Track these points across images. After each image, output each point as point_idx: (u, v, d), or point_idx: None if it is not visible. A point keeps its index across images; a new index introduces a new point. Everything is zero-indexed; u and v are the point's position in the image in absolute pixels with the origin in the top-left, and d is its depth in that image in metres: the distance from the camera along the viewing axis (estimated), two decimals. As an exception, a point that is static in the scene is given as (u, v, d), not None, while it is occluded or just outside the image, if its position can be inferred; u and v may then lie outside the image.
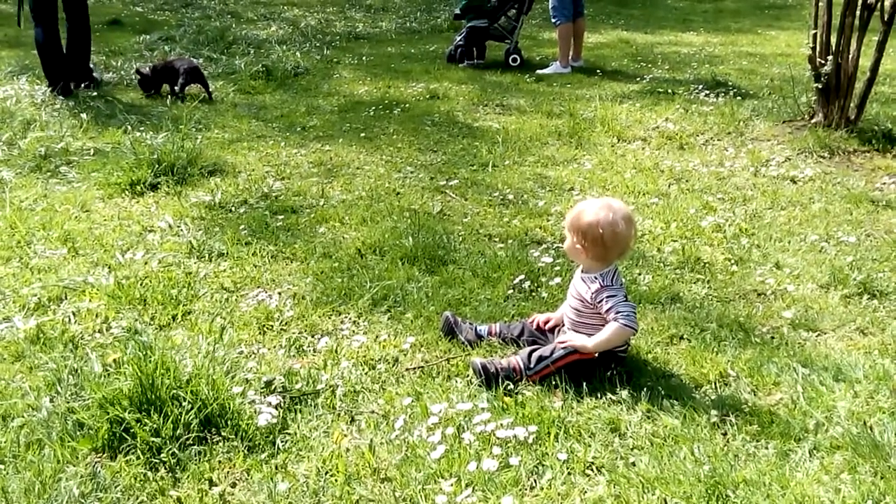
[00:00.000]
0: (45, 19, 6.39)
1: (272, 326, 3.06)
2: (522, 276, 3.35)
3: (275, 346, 2.91)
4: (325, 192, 4.49)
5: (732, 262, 3.53)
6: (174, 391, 2.38)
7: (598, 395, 2.52)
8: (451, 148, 5.33)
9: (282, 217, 4.13)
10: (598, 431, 2.36)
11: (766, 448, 2.27)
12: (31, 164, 4.90)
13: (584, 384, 2.56)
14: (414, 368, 2.74)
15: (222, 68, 7.79)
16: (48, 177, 4.74)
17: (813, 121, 5.31)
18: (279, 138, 5.58)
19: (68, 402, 2.46)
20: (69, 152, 5.12)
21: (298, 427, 2.43)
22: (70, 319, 3.09)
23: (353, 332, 3.01)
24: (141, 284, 3.35)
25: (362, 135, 5.66)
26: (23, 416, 2.47)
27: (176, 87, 6.53)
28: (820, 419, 2.38)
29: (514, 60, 8.03)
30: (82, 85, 6.76)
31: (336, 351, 2.86)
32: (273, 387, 2.61)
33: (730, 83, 6.88)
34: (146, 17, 11.06)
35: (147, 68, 6.76)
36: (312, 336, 2.99)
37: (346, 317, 3.12)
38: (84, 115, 5.87)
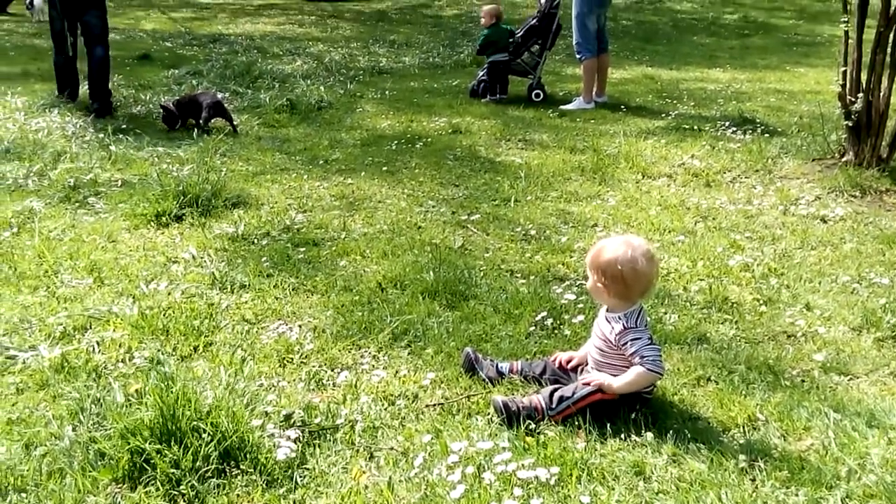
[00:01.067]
0: (63, 48, 7.18)
1: (292, 359, 3.04)
2: (545, 313, 3.32)
3: (294, 380, 2.89)
4: (346, 225, 4.50)
5: (761, 302, 3.48)
6: (194, 423, 2.38)
7: (623, 437, 2.48)
8: (473, 182, 5.33)
9: (303, 249, 4.14)
10: (623, 474, 2.31)
11: (797, 495, 2.21)
12: (61, 195, 4.95)
13: (608, 425, 2.52)
14: (434, 405, 2.71)
15: (248, 102, 7.87)
16: (76, 207, 4.79)
17: (843, 159, 5.26)
18: (302, 171, 5.61)
19: (90, 432, 2.46)
20: (97, 183, 5.18)
21: (317, 462, 2.41)
22: (94, 349, 3.10)
23: (373, 366, 2.99)
24: (164, 315, 3.35)
25: (384, 168, 5.68)
26: (45, 445, 2.47)
27: (200, 121, 6.61)
28: (852, 466, 2.32)
29: (538, 96, 8.06)
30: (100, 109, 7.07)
31: (356, 385, 2.85)
32: (292, 421, 2.59)
33: (757, 120, 6.85)
34: (175, 52, 11.23)
35: (171, 103, 6.84)
36: (332, 370, 2.97)
37: (366, 351, 3.10)
38: (113, 148, 5.95)
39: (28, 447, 2.48)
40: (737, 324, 3.30)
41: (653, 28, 14.69)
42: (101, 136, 6.28)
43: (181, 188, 4.72)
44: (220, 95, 7.16)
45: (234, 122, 6.75)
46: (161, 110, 6.86)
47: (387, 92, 8.65)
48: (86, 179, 5.21)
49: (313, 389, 2.83)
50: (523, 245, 4.21)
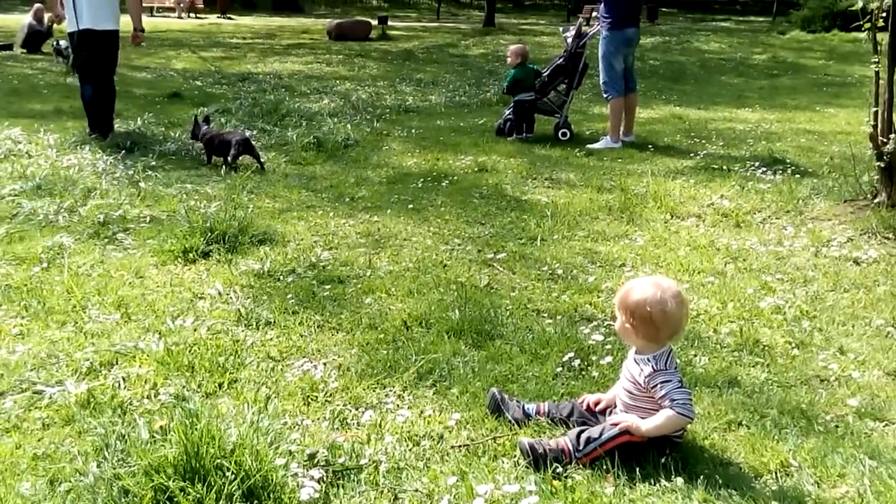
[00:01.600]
0: (93, 79, 7.62)
1: (317, 397, 3.02)
2: (572, 354, 3.28)
3: (319, 418, 2.87)
4: (372, 262, 4.50)
5: (793, 345, 3.42)
6: (218, 461, 2.36)
7: (652, 482, 2.42)
8: (499, 221, 5.32)
9: (329, 287, 4.13)
10: (653, 521, 2.25)
11: (834, 545, 2.14)
12: (90, 231, 4.99)
13: (637, 469, 2.47)
14: (459, 446, 2.67)
15: (275, 140, 7.96)
16: (105, 243, 4.83)
17: (876, 201, 5.18)
18: (328, 208, 5.64)
19: (115, 468, 2.44)
20: (126, 220, 5.23)
21: (341, 503, 2.37)
22: (120, 385, 3.10)
23: (398, 406, 2.96)
24: (190, 351, 3.35)
25: (410, 206, 5.69)
26: (70, 482, 2.46)
27: (229, 158, 6.68)
28: (891, 516, 2.24)
29: (564, 135, 8.08)
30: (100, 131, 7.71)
31: (380, 425, 2.81)
32: (316, 460, 2.56)
33: (788, 160, 6.81)
34: (205, 91, 11.43)
35: (203, 128, 7.03)
36: (356, 409, 2.94)
37: (390, 390, 3.07)
38: (142, 184, 6.02)
39: (53, 483, 2.47)
40: (768, 367, 3.24)
41: (680, 68, 14.74)
42: (131, 172, 6.37)
43: (208, 225, 4.76)
44: (247, 133, 7.24)
45: (262, 160, 6.82)
46: (192, 123, 7.12)
47: (413, 130, 8.72)
48: (115, 216, 5.26)
49: (337, 428, 2.80)
50: (550, 284, 4.18)
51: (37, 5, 15.59)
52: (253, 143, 7.00)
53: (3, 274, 4.21)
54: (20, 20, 17.29)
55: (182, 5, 30.05)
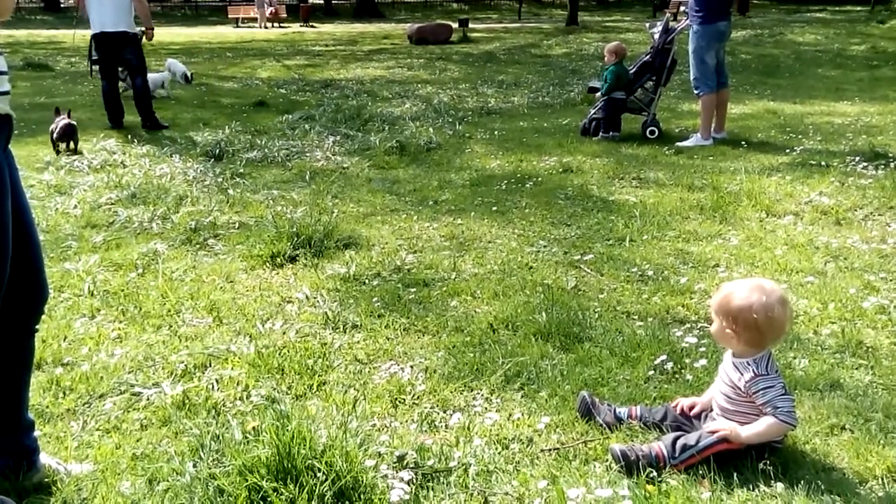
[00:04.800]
0: (109, 77, 9.10)
1: (404, 400, 3.02)
2: (664, 357, 3.19)
3: (407, 421, 2.87)
4: (456, 265, 4.49)
5: (900, 347, 3.25)
6: (309, 461, 2.37)
7: (751, 487, 2.34)
8: (585, 222, 5.24)
9: (414, 290, 4.14)
10: (753, 529, 2.17)
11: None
12: (183, 237, 5.13)
13: (735, 474, 2.39)
14: (549, 450, 2.63)
15: (358, 144, 8.03)
16: (197, 249, 4.95)
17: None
18: (412, 212, 5.66)
19: (210, 468, 2.48)
20: (216, 226, 5.36)
21: (431, 506, 2.36)
22: (213, 386, 3.17)
23: (486, 408, 2.93)
24: (279, 354, 3.41)
25: (494, 208, 5.66)
26: (168, 481, 2.51)
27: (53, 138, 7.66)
28: None
29: (652, 133, 7.91)
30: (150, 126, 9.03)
31: (468, 428, 2.79)
32: (405, 462, 2.56)
33: (890, 155, 6.52)
34: (289, 98, 11.67)
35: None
36: (444, 411, 2.93)
37: (478, 393, 3.05)
38: (230, 191, 6.18)
39: (151, 482, 2.54)
40: (873, 369, 3.09)
41: (774, 61, 14.28)
42: (220, 180, 6.54)
43: (294, 230, 4.83)
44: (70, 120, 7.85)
45: (78, 146, 7.71)
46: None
47: (496, 132, 8.69)
48: (205, 222, 5.40)
49: (426, 431, 2.80)
50: (640, 286, 4.08)
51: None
52: (75, 129, 7.79)
53: (101, 280, 4.37)
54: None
55: (269, 13, 30.87)
